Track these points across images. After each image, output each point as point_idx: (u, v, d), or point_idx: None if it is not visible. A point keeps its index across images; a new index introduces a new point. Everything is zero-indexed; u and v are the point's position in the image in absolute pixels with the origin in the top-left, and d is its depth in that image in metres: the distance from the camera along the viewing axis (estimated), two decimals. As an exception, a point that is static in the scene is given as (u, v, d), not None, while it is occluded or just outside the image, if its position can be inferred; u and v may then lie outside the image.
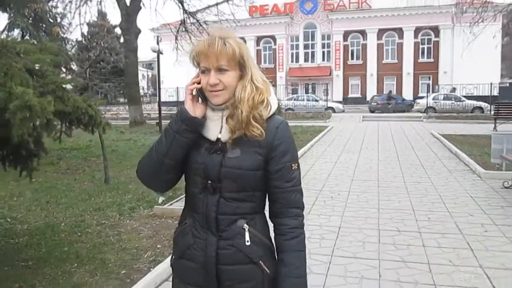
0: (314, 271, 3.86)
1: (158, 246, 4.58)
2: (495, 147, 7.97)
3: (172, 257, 1.60)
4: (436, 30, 41.09)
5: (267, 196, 1.51)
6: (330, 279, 3.71)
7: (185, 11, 19.17)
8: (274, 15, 44.82)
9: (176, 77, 28.61)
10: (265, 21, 44.21)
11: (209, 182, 1.43)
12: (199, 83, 1.46)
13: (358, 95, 44.39)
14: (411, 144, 13.25)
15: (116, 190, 7.21)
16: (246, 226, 1.45)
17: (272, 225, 1.50)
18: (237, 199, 1.45)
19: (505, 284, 3.55)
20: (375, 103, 32.02)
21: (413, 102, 32.33)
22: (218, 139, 1.45)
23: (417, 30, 41.09)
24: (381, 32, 43.22)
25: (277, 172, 1.44)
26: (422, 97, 30.89)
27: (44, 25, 5.81)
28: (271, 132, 1.43)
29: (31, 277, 3.86)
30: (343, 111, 31.28)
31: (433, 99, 27.83)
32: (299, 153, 11.03)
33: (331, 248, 4.45)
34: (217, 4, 19.61)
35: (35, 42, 3.59)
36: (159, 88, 17.64)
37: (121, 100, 46.22)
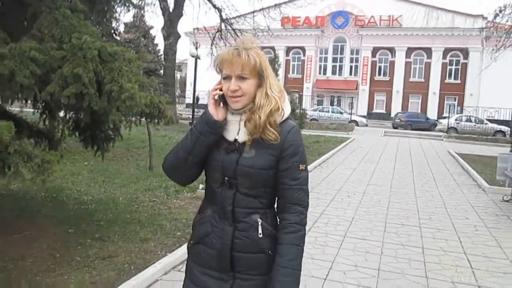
0: (329, 245, 4.87)
1: (203, 219, 5.63)
2: (500, 165, 8.78)
3: (190, 241, 1.75)
4: (465, 52, 41.41)
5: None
6: (342, 252, 4.69)
7: (222, 19, 20.35)
8: (305, 27, 45.83)
9: (208, 80, 29.88)
10: (296, 32, 45.22)
11: (226, 178, 1.60)
12: (221, 89, 1.61)
13: (383, 111, 44.93)
14: (427, 159, 14.07)
15: (160, 177, 8.24)
16: (259, 220, 1.60)
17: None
18: (251, 194, 1.60)
19: (482, 266, 4.47)
20: (399, 120, 32.68)
21: (436, 122, 32.82)
22: (235, 140, 1.61)
23: (446, 51, 41.57)
24: (409, 51, 43.75)
25: (285, 170, 1.59)
26: (445, 117, 31.40)
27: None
28: (283, 135, 1.58)
29: (105, 232, 4.94)
30: (366, 125, 32.05)
31: (456, 120, 28.36)
32: (321, 159, 12.01)
33: (345, 231, 5.44)
34: (253, 12, 20.61)
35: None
36: (195, 91, 18.89)
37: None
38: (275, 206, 1.68)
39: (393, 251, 4.76)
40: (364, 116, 37.64)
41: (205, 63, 21.62)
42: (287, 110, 1.64)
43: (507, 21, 15.42)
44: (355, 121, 31.10)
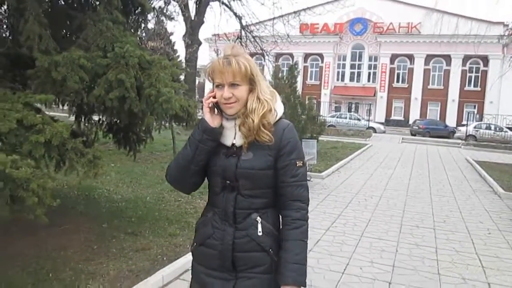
0: (346, 243, 5.15)
1: (227, 217, 5.96)
2: (516, 172, 8.92)
3: (192, 244, 1.81)
4: (485, 59, 41.10)
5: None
6: (358, 249, 4.97)
7: (242, 27, 20.78)
8: (323, 34, 46.06)
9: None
10: (315, 39, 45.40)
11: (227, 182, 1.65)
12: (214, 97, 1.65)
13: (401, 117, 44.77)
14: (444, 166, 14.19)
15: (183, 178, 8.63)
16: (259, 219, 1.65)
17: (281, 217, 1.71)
18: (252, 195, 1.65)
19: (491, 265, 4.70)
20: (417, 127, 32.64)
21: (455, 129, 32.65)
22: (233, 144, 1.67)
23: (466, 58, 41.33)
24: (428, 58, 43.59)
25: (283, 168, 1.65)
26: (464, 125, 31.23)
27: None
28: (278, 134, 1.64)
29: (137, 227, 5.30)
30: (384, 132, 32.05)
31: (474, 127, 28.21)
32: (339, 164, 12.26)
33: (361, 231, 5.72)
34: (273, 19, 20.92)
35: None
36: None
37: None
38: (277, 206, 1.72)
39: (407, 250, 5.02)
40: (382, 123, 37.59)
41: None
42: (279, 110, 1.70)
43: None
44: (373, 128, 31.14)
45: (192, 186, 1.76)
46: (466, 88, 42.96)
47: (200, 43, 20.45)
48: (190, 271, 4.07)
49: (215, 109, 1.67)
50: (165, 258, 4.30)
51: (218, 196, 1.69)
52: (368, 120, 32.89)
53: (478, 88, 42.65)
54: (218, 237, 1.67)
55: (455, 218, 6.80)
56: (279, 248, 1.67)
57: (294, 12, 22.00)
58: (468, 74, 42.99)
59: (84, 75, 3.77)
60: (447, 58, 42.78)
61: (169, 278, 3.83)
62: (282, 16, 21.05)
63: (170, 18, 6.57)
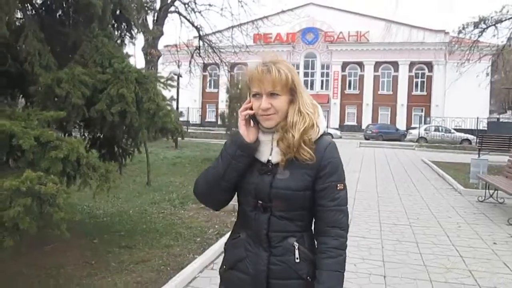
0: (335, 243, 5.44)
1: (216, 226, 6.09)
2: (473, 170, 9.64)
3: (222, 266, 1.65)
4: (429, 65, 43.49)
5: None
6: (348, 248, 5.24)
7: (201, 37, 20.94)
8: (277, 43, 46.96)
9: (185, 97, 30.32)
10: (268, 49, 46.18)
11: (259, 202, 1.50)
12: (251, 108, 1.52)
13: (354, 123, 46.35)
14: (404, 167, 15.00)
15: (160, 191, 8.67)
16: (296, 244, 1.50)
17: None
18: (286, 217, 1.50)
19: (467, 254, 5.15)
20: (370, 131, 34.01)
21: (406, 132, 34.30)
22: (268, 161, 1.51)
23: (412, 64, 43.56)
24: (377, 65, 45.54)
25: (322, 190, 1.49)
26: (414, 128, 32.92)
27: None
28: (319, 153, 1.49)
29: (129, 241, 5.33)
30: (341, 137, 33.11)
31: (425, 130, 29.83)
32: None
33: (346, 231, 6.02)
34: (232, 28, 21.18)
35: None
36: (177, 108, 19.36)
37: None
38: (312, 228, 1.60)
39: (392, 246, 5.38)
40: (336, 129, 38.83)
41: (181, 80, 22.22)
42: (322, 126, 1.55)
43: (470, 37, 16.73)
44: (330, 134, 32.02)
45: (221, 203, 1.64)
46: (414, 92, 45.21)
47: (160, 55, 20.46)
48: (198, 278, 4.21)
49: (251, 121, 1.55)
50: (169, 268, 4.39)
51: (249, 216, 1.55)
52: (327, 127, 33.88)
53: (424, 93, 44.99)
54: (251, 261, 1.54)
55: (426, 214, 7.30)
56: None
57: (252, 22, 22.43)
58: (414, 80, 45.29)
59: (86, 91, 3.85)
60: (395, 65, 44.89)
61: (181, 285, 3.95)
62: (240, 25, 21.38)
63: (151, 33, 6.59)
